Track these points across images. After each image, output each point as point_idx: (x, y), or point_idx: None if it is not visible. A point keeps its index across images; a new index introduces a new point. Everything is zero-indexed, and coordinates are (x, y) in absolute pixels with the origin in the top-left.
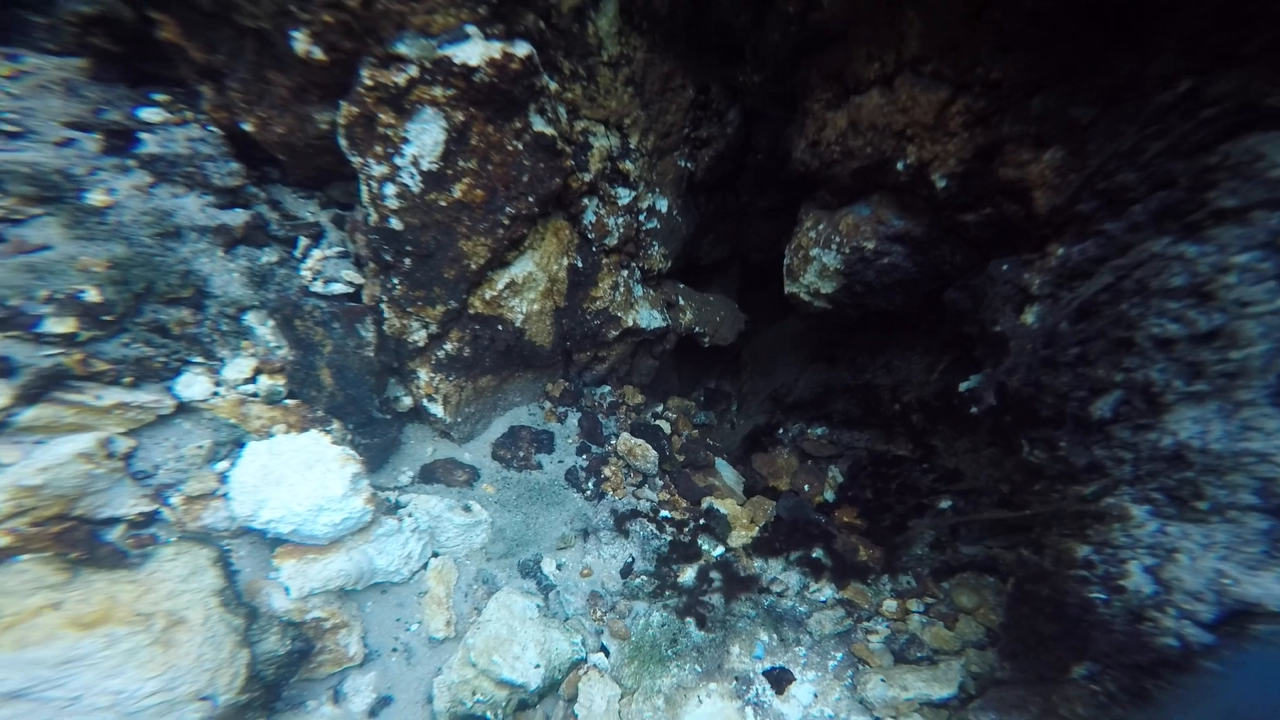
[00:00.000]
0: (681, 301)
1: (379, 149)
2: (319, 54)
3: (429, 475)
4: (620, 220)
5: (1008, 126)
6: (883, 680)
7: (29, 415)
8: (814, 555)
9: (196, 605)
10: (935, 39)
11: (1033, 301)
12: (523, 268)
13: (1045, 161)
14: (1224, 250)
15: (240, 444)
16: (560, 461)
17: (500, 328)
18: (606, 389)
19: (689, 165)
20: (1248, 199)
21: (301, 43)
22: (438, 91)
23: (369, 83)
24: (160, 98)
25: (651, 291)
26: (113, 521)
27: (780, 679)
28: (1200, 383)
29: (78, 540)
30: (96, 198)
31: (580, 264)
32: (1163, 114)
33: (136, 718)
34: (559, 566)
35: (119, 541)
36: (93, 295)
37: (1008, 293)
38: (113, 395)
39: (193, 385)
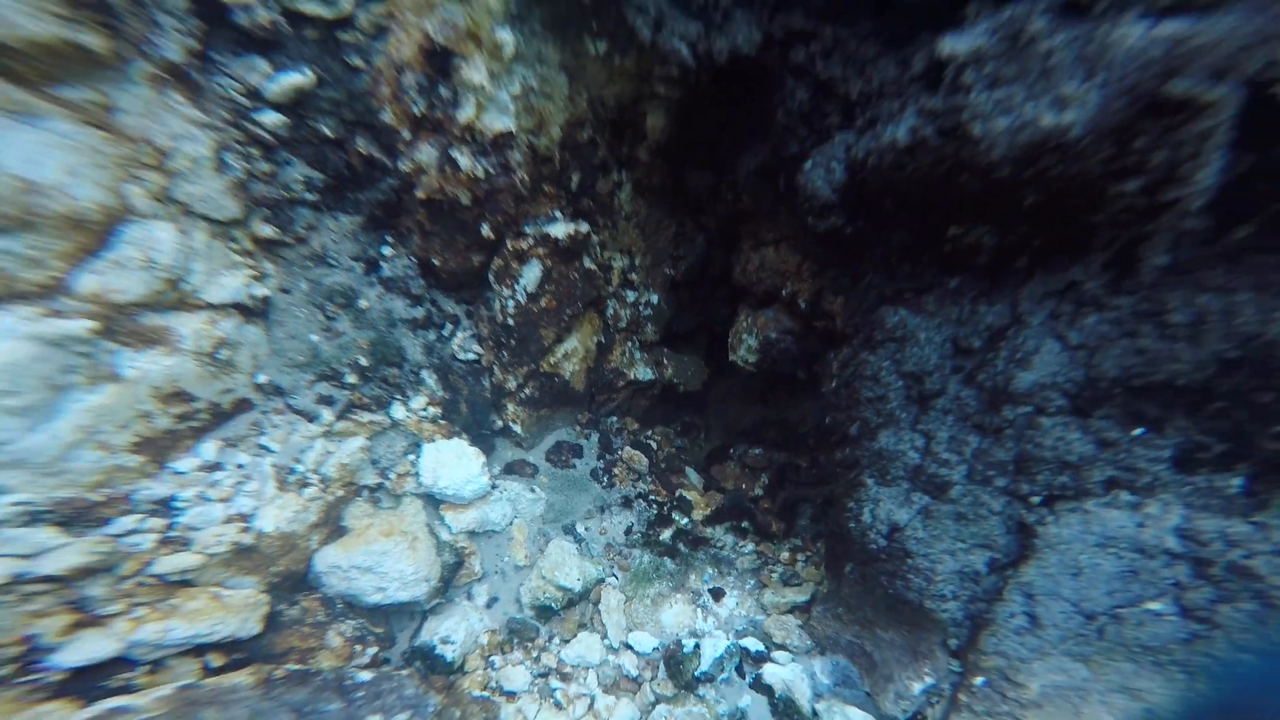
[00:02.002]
0: (665, 362)
1: (507, 280)
2: (489, 233)
3: (510, 469)
4: (627, 311)
5: (825, 281)
6: (771, 593)
7: (339, 426)
8: (743, 525)
9: (421, 530)
10: (795, 228)
11: (832, 378)
12: (571, 344)
13: (838, 303)
14: (880, 361)
15: (419, 445)
16: (587, 463)
17: (556, 380)
18: (615, 419)
19: (671, 272)
20: (889, 335)
21: (486, 230)
22: (540, 250)
23: (509, 247)
24: (390, 240)
25: (646, 355)
26: (363, 487)
27: (717, 593)
28: (884, 419)
29: (362, 494)
30: (363, 303)
31: (603, 340)
32: (867, 290)
33: (405, 583)
34: (586, 528)
35: (386, 492)
36: (362, 360)
37: (829, 370)
38: (366, 416)
39: (397, 411)
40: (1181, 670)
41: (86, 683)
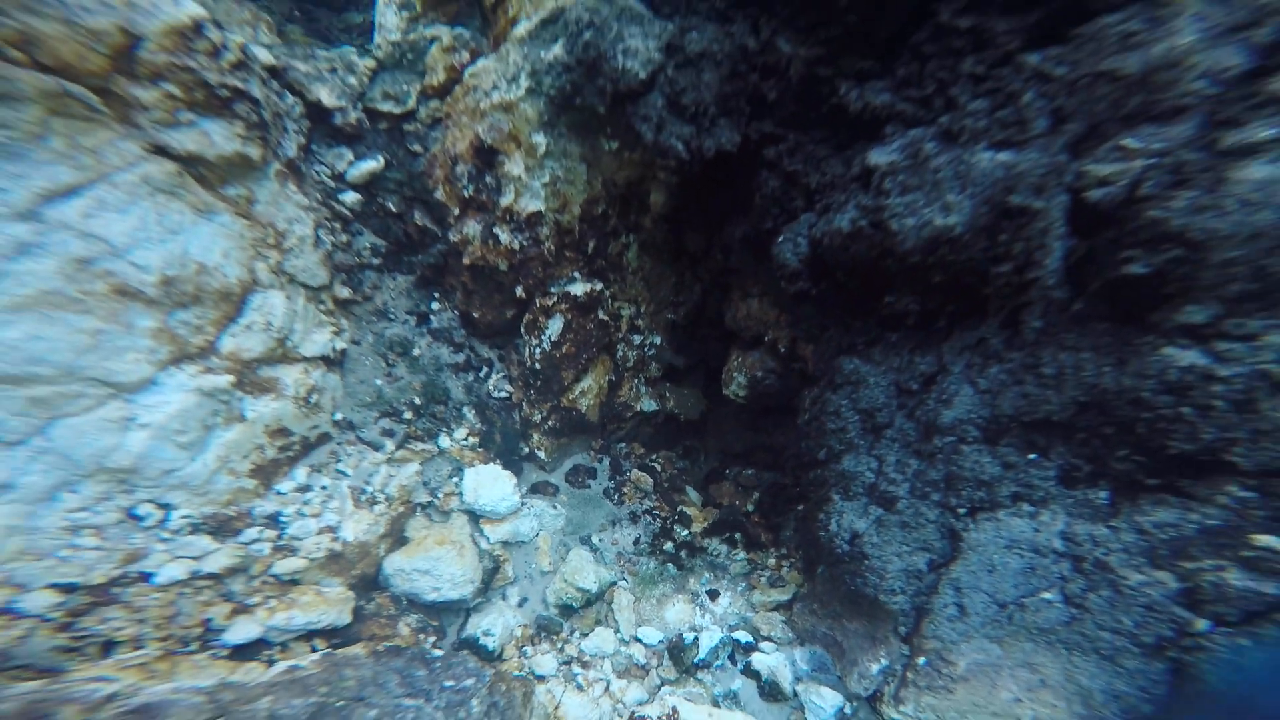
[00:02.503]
0: (668, 395)
1: (535, 331)
2: (522, 293)
3: (535, 489)
4: (634, 352)
5: (798, 331)
6: (759, 594)
7: (399, 454)
8: (735, 536)
9: (466, 540)
10: (772, 287)
11: (805, 411)
12: (586, 382)
13: (808, 350)
14: (840, 399)
15: (462, 469)
16: (600, 484)
17: (574, 413)
18: (624, 445)
19: (672, 316)
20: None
21: (519, 290)
22: (562, 306)
23: (537, 304)
24: (438, 296)
25: (651, 389)
26: (418, 505)
27: (713, 594)
28: (846, 446)
29: (417, 511)
30: (416, 351)
31: (614, 378)
32: (829, 341)
33: (456, 584)
34: (600, 539)
35: (436, 509)
36: (416, 399)
37: (803, 405)
38: (419, 446)
39: (443, 441)
40: (1064, 647)
41: (245, 656)
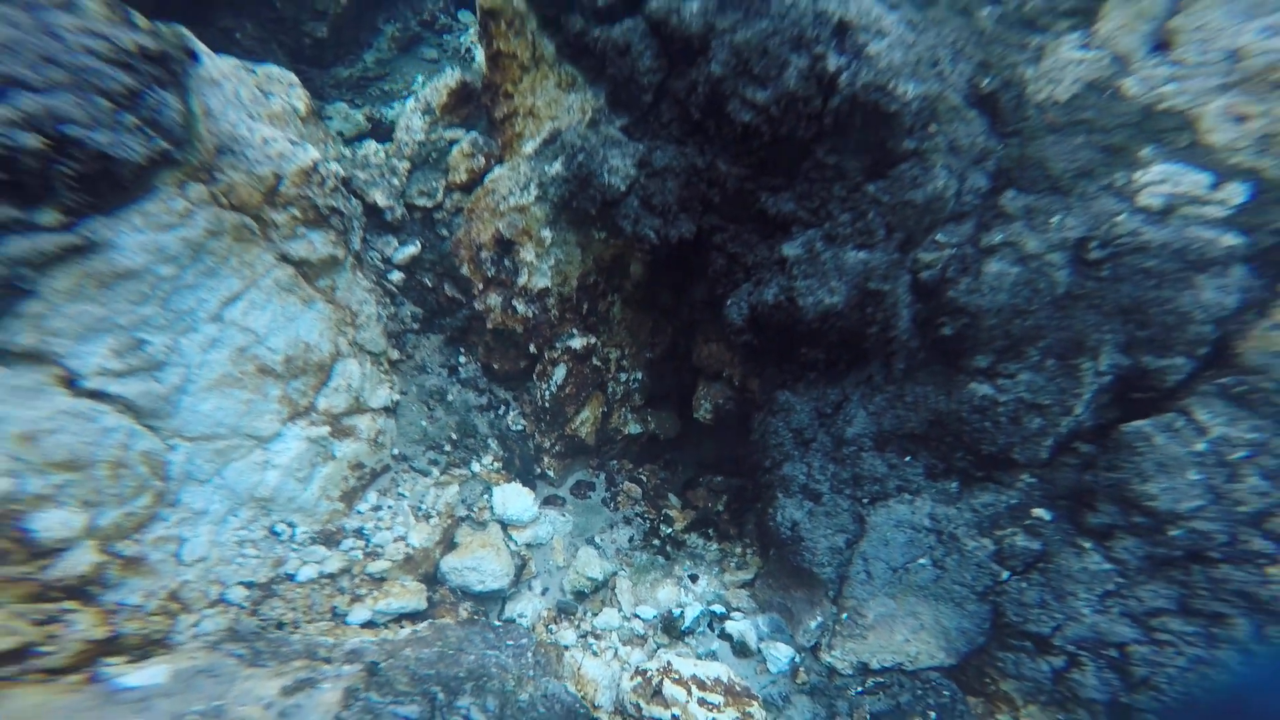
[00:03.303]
0: (649, 419)
1: (544, 378)
2: (533, 349)
3: (547, 501)
4: (621, 387)
5: (747, 370)
6: (729, 575)
7: (442, 479)
8: (709, 531)
9: (501, 543)
10: (725, 336)
11: (754, 430)
12: (584, 414)
13: (754, 384)
14: (778, 422)
15: (490, 488)
16: (598, 495)
17: (575, 439)
18: (616, 462)
19: (650, 355)
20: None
21: (531, 348)
22: (565, 357)
23: (545, 357)
24: (463, 352)
25: (635, 415)
26: (459, 518)
27: (694, 578)
28: (784, 456)
29: (478, 524)
30: (450, 397)
31: (606, 409)
32: (768, 379)
33: (496, 577)
34: (602, 539)
35: (474, 521)
36: (453, 435)
37: (753, 425)
38: (457, 471)
39: (475, 466)
40: (933, 599)
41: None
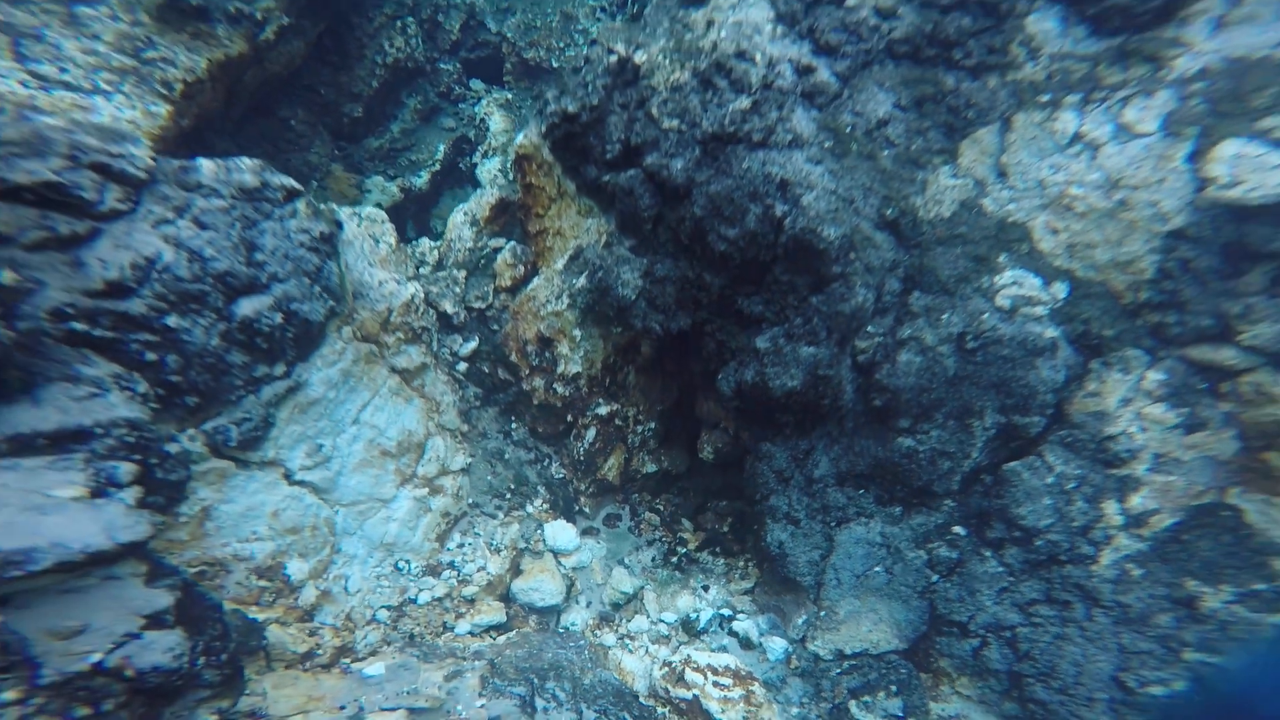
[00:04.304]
0: (664, 459)
1: (579, 438)
2: (570, 418)
3: (585, 533)
4: (638, 437)
5: (738, 424)
6: (734, 585)
7: (506, 520)
8: (717, 549)
9: (554, 568)
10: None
11: (747, 469)
12: (611, 462)
13: (745, 435)
14: (762, 464)
15: (542, 525)
16: (625, 524)
17: (605, 481)
18: (637, 496)
19: (660, 407)
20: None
21: (569, 417)
22: (595, 422)
23: (579, 423)
24: (514, 420)
25: (651, 457)
26: (522, 549)
27: (706, 588)
28: (770, 490)
29: (535, 554)
30: (507, 456)
31: (628, 455)
32: (754, 432)
33: (553, 595)
34: (630, 560)
35: (531, 551)
36: (511, 485)
37: (746, 466)
38: (516, 513)
39: (529, 508)
40: (886, 598)
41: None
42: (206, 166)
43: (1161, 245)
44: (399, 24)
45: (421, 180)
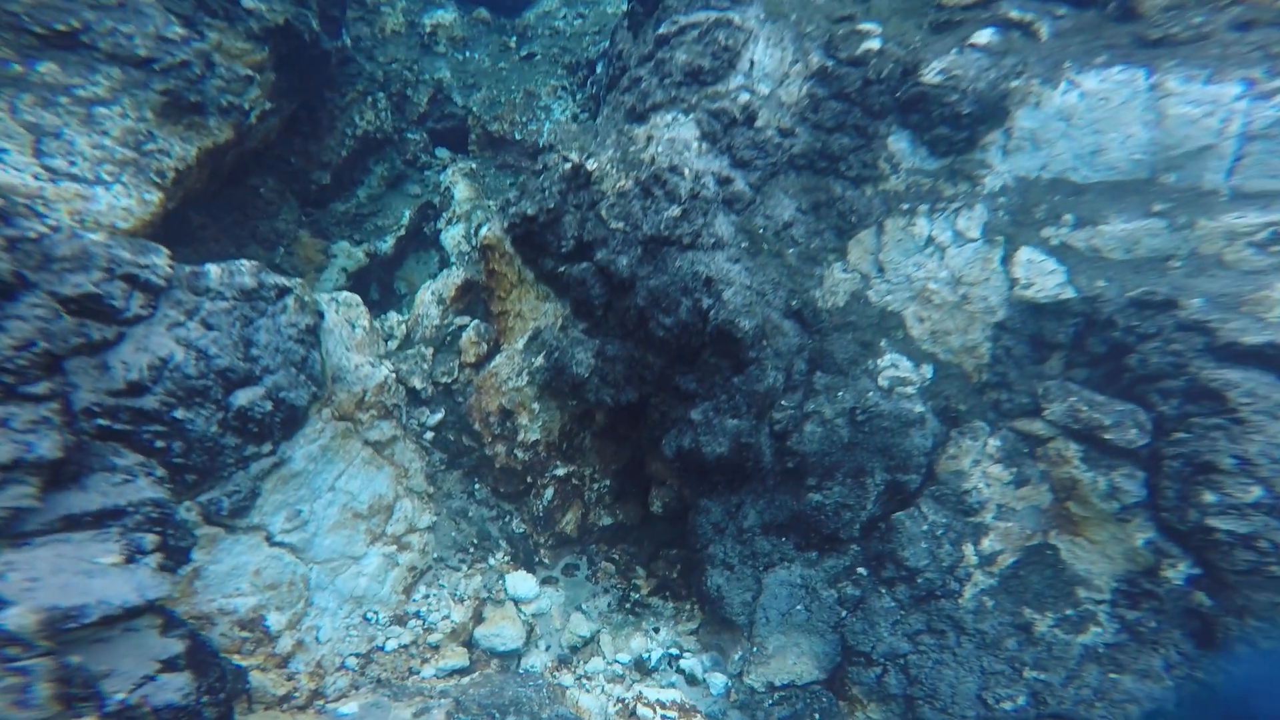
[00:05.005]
0: (618, 512)
1: (538, 496)
2: (529, 479)
3: (545, 581)
4: (594, 493)
5: (682, 481)
6: (681, 626)
7: (469, 571)
8: (667, 594)
9: (515, 616)
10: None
11: (689, 522)
12: (569, 516)
13: (686, 492)
14: (702, 518)
15: (503, 576)
16: (583, 573)
17: (563, 534)
18: (594, 547)
19: (614, 466)
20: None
21: (528, 478)
22: (553, 482)
23: (538, 483)
24: (477, 481)
25: (606, 511)
26: (484, 599)
27: (656, 630)
28: (709, 540)
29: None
30: (470, 514)
31: (584, 510)
32: (694, 490)
33: (514, 640)
34: (587, 607)
35: (493, 600)
36: (475, 540)
37: (689, 519)
38: (479, 565)
39: (491, 560)
40: (807, 633)
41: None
42: (213, 272)
43: (992, 334)
44: (370, 99)
45: (387, 245)
